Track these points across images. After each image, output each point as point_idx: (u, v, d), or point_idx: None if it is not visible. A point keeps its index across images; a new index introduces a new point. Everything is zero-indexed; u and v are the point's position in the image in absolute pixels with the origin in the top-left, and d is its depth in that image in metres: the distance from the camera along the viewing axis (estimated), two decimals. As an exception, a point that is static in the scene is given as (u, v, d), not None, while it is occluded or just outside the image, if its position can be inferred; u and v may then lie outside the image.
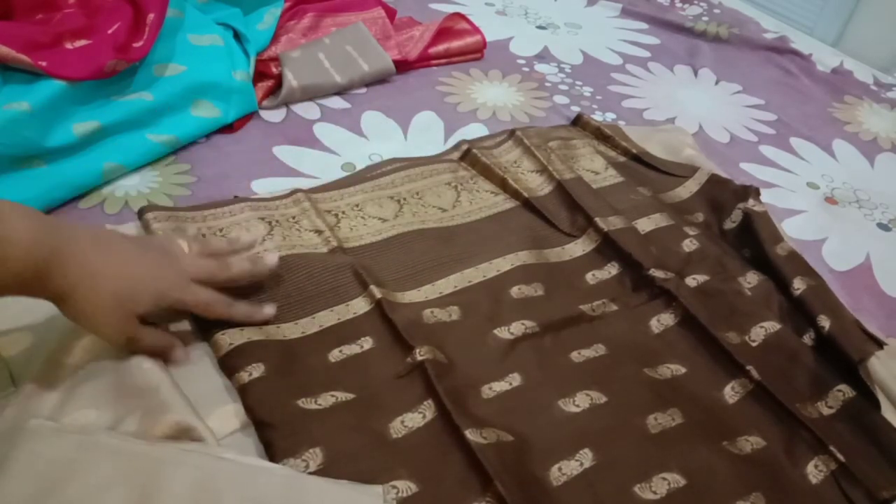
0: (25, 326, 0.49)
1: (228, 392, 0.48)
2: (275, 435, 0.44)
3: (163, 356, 0.48)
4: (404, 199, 0.69)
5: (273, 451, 0.44)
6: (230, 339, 0.50)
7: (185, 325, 0.52)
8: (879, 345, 0.58)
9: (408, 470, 0.44)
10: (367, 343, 0.53)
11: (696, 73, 1.08)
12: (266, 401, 0.46)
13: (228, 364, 0.48)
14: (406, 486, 0.43)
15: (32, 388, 0.45)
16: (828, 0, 1.44)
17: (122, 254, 0.45)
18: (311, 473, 0.43)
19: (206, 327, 0.51)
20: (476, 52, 1.00)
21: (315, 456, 0.44)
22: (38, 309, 0.49)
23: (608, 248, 0.66)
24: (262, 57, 0.83)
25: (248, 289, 0.54)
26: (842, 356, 0.56)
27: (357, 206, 0.67)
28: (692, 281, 0.63)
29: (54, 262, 0.41)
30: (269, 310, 0.52)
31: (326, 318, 0.54)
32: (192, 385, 0.47)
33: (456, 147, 0.78)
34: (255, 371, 0.48)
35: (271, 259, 0.54)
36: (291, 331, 0.53)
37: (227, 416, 0.46)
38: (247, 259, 0.53)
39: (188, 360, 0.49)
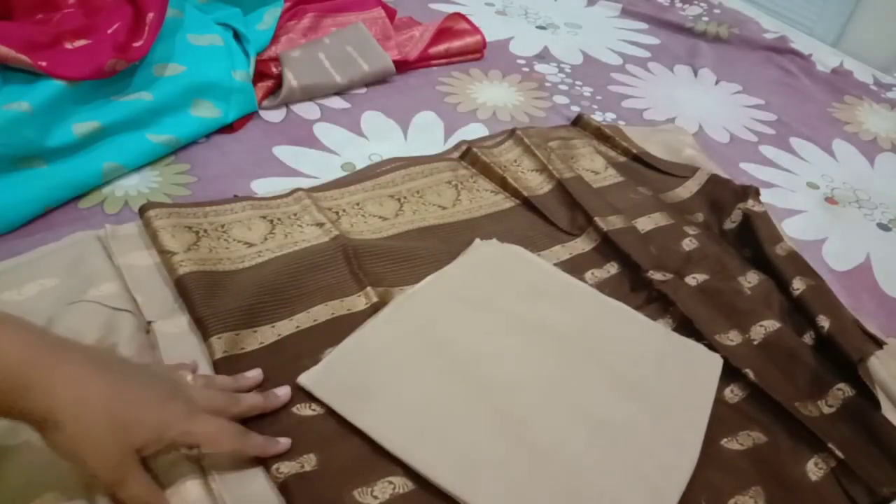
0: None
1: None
2: None
3: None
4: (405, 197, 0.69)
5: (267, 460, 0.43)
6: (224, 345, 0.50)
7: (183, 324, 0.52)
8: (879, 344, 0.58)
9: (403, 468, 0.44)
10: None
11: (696, 73, 1.08)
12: (260, 413, 0.46)
13: (222, 370, 0.48)
14: (402, 483, 0.44)
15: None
16: (828, 0, 1.43)
17: (121, 375, 0.39)
18: (306, 474, 0.43)
19: (203, 327, 0.51)
20: (476, 52, 1.00)
21: (309, 461, 0.44)
22: (38, 311, 0.50)
23: (608, 247, 0.66)
24: (262, 57, 0.84)
25: (246, 283, 0.54)
26: (841, 356, 0.56)
27: (358, 204, 0.67)
28: (692, 280, 0.63)
29: (40, 382, 0.35)
30: (284, 443, 0.44)
31: (320, 312, 0.54)
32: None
33: (456, 147, 0.78)
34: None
35: (283, 393, 0.47)
36: (286, 327, 0.53)
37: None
38: (257, 394, 0.47)
39: None
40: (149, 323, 0.51)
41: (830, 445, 0.50)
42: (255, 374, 0.48)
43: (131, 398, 0.38)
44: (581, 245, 0.67)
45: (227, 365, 0.49)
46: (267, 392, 0.47)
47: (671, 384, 0.52)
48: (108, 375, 0.38)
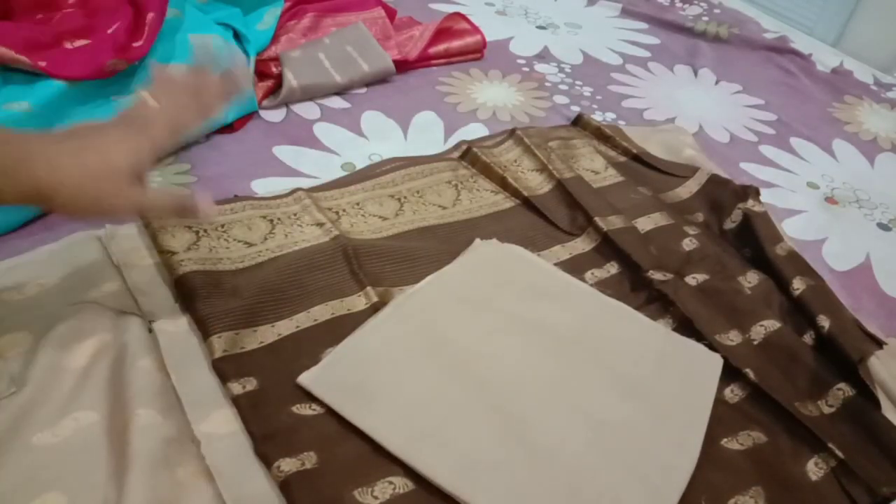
0: (25, 327, 0.49)
1: (227, 393, 0.48)
2: (269, 444, 0.44)
3: (185, 213, 0.47)
4: (405, 197, 0.69)
5: (268, 459, 0.43)
6: (224, 344, 0.50)
7: (183, 324, 0.52)
8: (879, 344, 0.58)
9: (403, 468, 0.44)
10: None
11: (696, 73, 1.08)
12: (260, 411, 0.46)
13: (221, 370, 0.48)
14: (402, 483, 0.44)
15: (33, 390, 0.45)
16: (828, 0, 1.43)
17: (82, 134, 0.44)
18: (307, 472, 0.43)
19: (203, 326, 0.51)
20: (476, 52, 1.00)
21: (310, 458, 0.44)
22: (38, 310, 0.50)
23: (608, 247, 0.66)
24: (262, 57, 0.84)
25: (247, 283, 0.55)
26: (842, 355, 0.56)
27: (358, 204, 0.67)
28: (692, 280, 0.63)
29: (15, 160, 0.40)
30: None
31: (321, 312, 0.54)
32: (192, 385, 0.47)
33: (456, 147, 0.78)
34: (248, 385, 0.48)
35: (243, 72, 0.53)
36: (286, 327, 0.53)
37: (226, 416, 0.46)
38: (216, 77, 0.51)
39: (214, 210, 0.49)
40: (150, 322, 0.51)
41: (830, 445, 0.50)
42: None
43: (95, 144, 0.43)
44: (581, 245, 0.67)
45: (227, 364, 0.49)
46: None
47: (671, 384, 0.52)
48: (70, 138, 0.43)
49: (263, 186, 0.68)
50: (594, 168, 0.78)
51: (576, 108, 0.91)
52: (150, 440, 0.43)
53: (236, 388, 0.47)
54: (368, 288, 0.57)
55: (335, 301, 0.56)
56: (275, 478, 0.43)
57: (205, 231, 0.59)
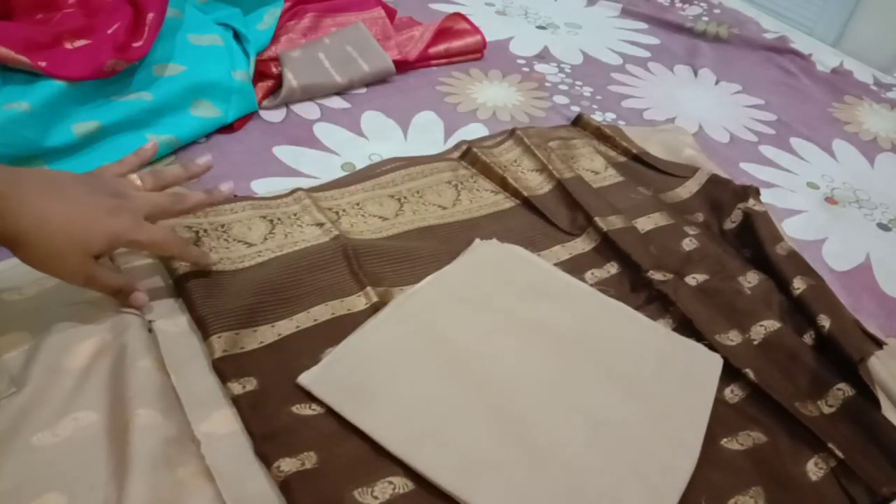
0: (25, 327, 0.49)
1: (227, 393, 0.48)
2: (268, 443, 0.44)
3: (121, 296, 0.50)
4: (405, 197, 0.69)
5: (268, 459, 0.43)
6: (224, 344, 0.50)
7: (183, 324, 0.52)
8: (879, 344, 0.58)
9: (403, 468, 0.44)
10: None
11: (696, 73, 1.08)
12: (260, 411, 0.46)
13: (221, 370, 0.48)
14: (402, 483, 0.44)
15: (33, 390, 0.45)
16: (828, 0, 1.44)
17: (75, 197, 0.46)
18: (307, 472, 0.43)
19: (203, 326, 0.51)
20: (476, 52, 1.00)
21: (310, 458, 0.44)
22: (37, 310, 0.50)
23: (607, 247, 0.66)
24: (262, 57, 0.84)
25: (246, 283, 0.55)
26: (842, 355, 0.56)
27: (358, 204, 0.67)
28: (692, 280, 0.63)
29: (8, 210, 0.42)
30: (214, 256, 0.55)
31: (321, 312, 0.54)
32: (191, 385, 0.47)
33: (456, 147, 0.78)
34: (248, 385, 0.48)
35: (226, 188, 0.56)
36: (286, 327, 0.53)
37: (226, 416, 0.46)
38: (203, 192, 0.55)
39: (147, 303, 0.51)
40: (150, 322, 0.51)
41: (830, 445, 0.50)
42: (204, 161, 0.57)
43: (84, 216, 0.45)
44: (581, 245, 0.67)
45: (227, 364, 0.49)
46: (211, 189, 0.55)
47: (671, 384, 0.52)
48: (63, 198, 0.45)
49: (263, 186, 0.68)
50: (594, 168, 0.78)
51: (576, 108, 0.91)
52: (150, 440, 0.43)
53: (236, 388, 0.47)
54: (368, 288, 0.57)
55: (335, 301, 0.56)
56: (275, 478, 0.43)
57: (205, 231, 0.59)
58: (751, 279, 0.65)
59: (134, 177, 0.51)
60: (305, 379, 0.48)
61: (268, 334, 0.52)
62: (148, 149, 0.56)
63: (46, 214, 0.44)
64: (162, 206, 0.51)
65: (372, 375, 0.49)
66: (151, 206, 0.50)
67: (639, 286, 0.62)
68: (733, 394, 0.54)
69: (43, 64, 0.62)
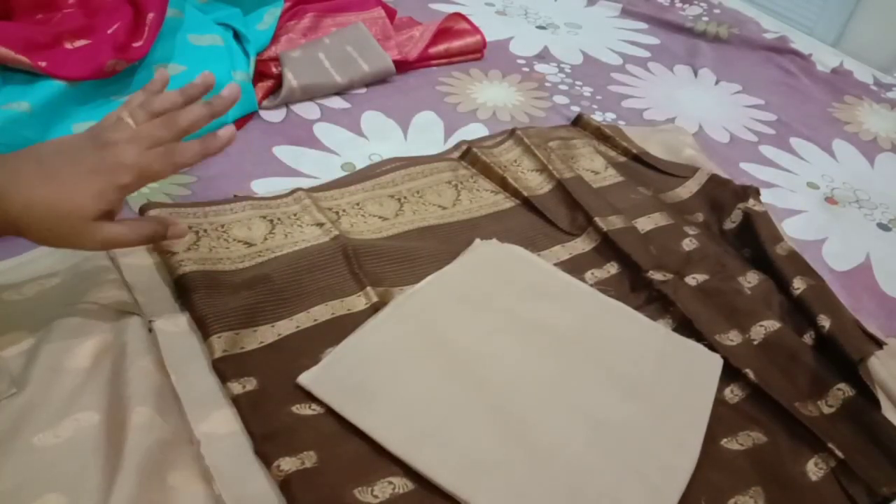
0: (25, 327, 0.49)
1: (227, 392, 0.48)
2: (268, 443, 0.44)
3: (158, 239, 0.49)
4: (405, 197, 0.69)
5: (268, 459, 0.43)
6: (224, 344, 0.50)
7: (183, 324, 0.52)
8: (879, 345, 0.58)
9: (403, 468, 0.44)
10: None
11: (696, 73, 1.08)
12: (260, 411, 0.46)
13: (221, 369, 0.48)
14: (402, 483, 0.44)
15: (34, 390, 0.45)
16: (828, 0, 1.44)
17: (54, 170, 0.44)
18: (307, 471, 0.43)
19: (203, 326, 0.51)
20: (476, 52, 1.00)
21: (310, 457, 0.44)
22: (38, 310, 0.50)
23: (607, 247, 0.66)
24: (262, 57, 0.84)
25: (246, 283, 0.55)
26: (842, 356, 0.56)
27: (358, 204, 0.67)
28: (692, 280, 0.63)
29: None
30: (224, 132, 0.49)
31: (321, 312, 0.54)
32: (192, 385, 0.47)
33: (456, 147, 0.78)
34: (248, 384, 0.48)
35: (224, 133, 0.50)
36: (286, 327, 0.53)
37: (226, 416, 0.46)
38: (200, 105, 0.50)
39: (186, 231, 0.49)
40: (150, 322, 0.51)
41: (830, 445, 0.50)
42: (203, 78, 0.51)
43: (65, 187, 0.44)
44: (581, 245, 0.67)
45: (227, 364, 0.49)
46: (206, 136, 0.49)
47: (671, 384, 0.52)
48: (43, 175, 0.44)
49: (263, 186, 0.68)
50: (594, 168, 0.78)
51: (576, 108, 0.91)
52: (145, 441, 0.42)
53: (236, 387, 0.47)
54: (368, 288, 0.57)
55: (335, 301, 0.56)
56: (275, 477, 0.43)
57: (205, 231, 0.59)
58: (751, 279, 0.65)
59: (125, 115, 0.48)
60: (305, 379, 0.48)
61: (268, 334, 0.52)
62: (156, 81, 0.51)
63: (29, 198, 0.43)
64: (152, 137, 0.47)
65: (372, 375, 0.49)
66: (139, 142, 0.46)
67: (639, 286, 0.62)
68: (733, 394, 0.54)
69: (43, 64, 0.63)
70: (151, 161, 0.46)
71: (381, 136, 0.80)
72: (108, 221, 0.46)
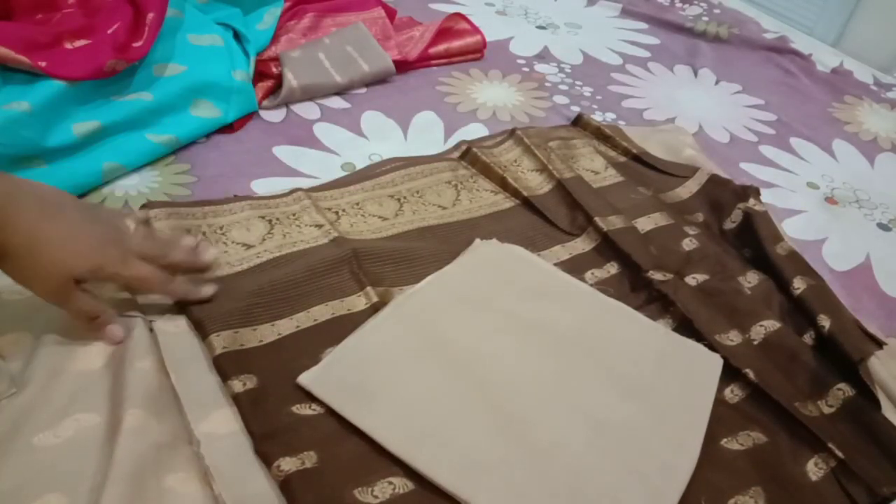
0: (25, 327, 0.49)
1: (227, 392, 0.48)
2: (268, 443, 0.44)
3: (94, 325, 0.49)
4: (404, 197, 0.69)
5: (268, 459, 0.43)
6: (224, 342, 0.50)
7: (183, 324, 0.52)
8: (879, 345, 0.58)
9: (403, 468, 0.44)
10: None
11: (696, 73, 1.08)
12: (260, 410, 0.46)
13: (221, 368, 0.48)
14: (402, 483, 0.44)
15: (34, 390, 0.45)
16: (828, 0, 1.44)
17: (70, 220, 0.46)
18: (307, 471, 0.43)
19: (201, 327, 0.51)
20: (476, 52, 1.00)
21: (310, 458, 0.44)
22: (38, 310, 0.50)
23: (608, 247, 0.66)
24: (262, 57, 0.84)
25: (245, 285, 0.55)
26: (842, 356, 0.56)
27: (357, 204, 0.67)
28: (692, 280, 0.63)
29: (2, 222, 0.42)
30: (207, 290, 0.53)
31: (321, 312, 0.54)
32: (192, 384, 0.47)
33: (456, 147, 0.78)
34: (249, 382, 0.48)
35: (211, 253, 0.55)
36: (286, 326, 0.53)
37: (226, 416, 0.46)
38: (188, 250, 0.54)
39: (120, 338, 0.49)
40: (150, 322, 0.51)
41: (830, 445, 0.50)
42: (189, 240, 0.55)
43: (75, 240, 0.46)
44: (581, 245, 0.67)
45: (227, 360, 0.49)
46: (195, 251, 0.54)
47: (671, 384, 0.52)
48: (59, 219, 0.45)
49: (263, 186, 0.68)
50: (594, 168, 0.78)
51: (576, 108, 0.91)
52: (139, 443, 0.42)
53: (237, 385, 0.47)
54: (368, 288, 0.57)
55: (335, 301, 0.56)
56: (275, 477, 0.43)
57: (203, 234, 0.59)
58: (751, 279, 0.65)
59: (129, 221, 0.51)
60: (305, 379, 0.48)
61: (267, 333, 0.52)
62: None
63: (39, 233, 0.44)
64: (151, 253, 0.50)
65: (372, 375, 0.49)
66: (140, 248, 0.49)
67: (639, 286, 0.62)
68: (733, 394, 0.54)
69: (43, 64, 0.62)
70: (151, 273, 0.49)
71: (381, 136, 0.80)
72: (76, 285, 0.47)
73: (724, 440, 0.50)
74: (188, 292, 0.52)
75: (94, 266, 0.46)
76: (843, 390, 0.55)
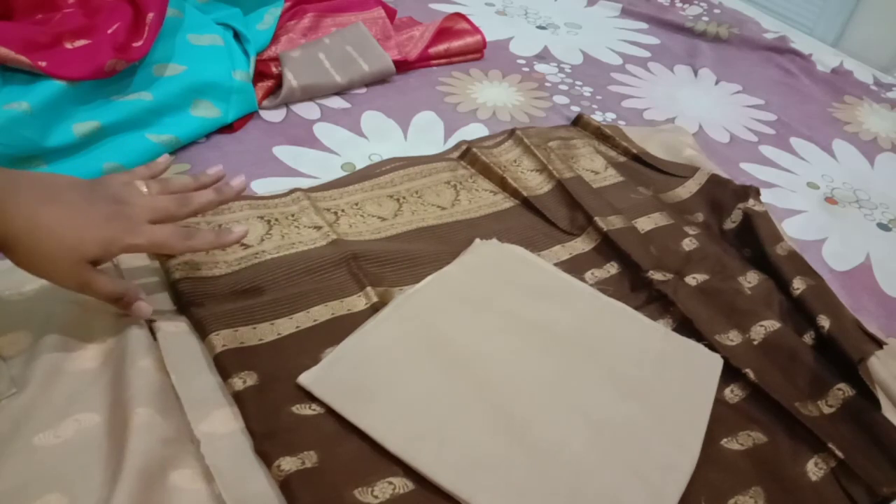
0: (25, 327, 0.49)
1: (227, 391, 0.48)
2: (269, 442, 0.44)
3: (122, 304, 0.48)
4: (403, 197, 0.69)
5: (268, 458, 0.43)
6: (223, 340, 0.50)
7: (183, 324, 0.52)
8: (879, 344, 0.58)
9: (403, 468, 0.44)
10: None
11: (696, 73, 1.08)
12: (261, 409, 0.46)
13: (221, 366, 0.48)
14: (402, 483, 0.44)
15: (34, 390, 0.45)
16: (828, 0, 1.44)
17: (70, 203, 0.45)
18: (307, 471, 0.43)
19: (201, 327, 0.51)
20: (476, 52, 1.00)
21: (310, 457, 0.44)
22: (38, 310, 0.50)
23: (607, 247, 0.66)
24: (262, 57, 0.84)
25: (243, 285, 0.55)
26: (842, 356, 0.56)
27: (356, 204, 0.67)
28: (692, 280, 0.63)
29: (5, 213, 0.42)
30: (238, 231, 0.51)
31: (320, 312, 0.54)
32: (192, 384, 0.47)
33: (456, 147, 0.78)
34: (249, 379, 0.48)
35: (237, 182, 0.52)
36: (285, 326, 0.53)
37: (226, 416, 0.46)
38: (211, 190, 0.51)
39: (150, 313, 0.48)
40: (150, 322, 0.51)
41: (830, 445, 0.50)
42: (215, 171, 0.53)
43: (78, 222, 0.44)
44: (581, 245, 0.67)
45: (228, 358, 0.49)
46: (220, 184, 0.52)
47: (671, 384, 0.52)
48: (58, 203, 0.44)
49: (263, 186, 0.68)
50: (594, 168, 0.78)
51: (576, 108, 0.91)
52: (146, 441, 0.42)
53: (237, 382, 0.47)
54: (368, 288, 0.57)
55: (335, 301, 0.56)
56: (275, 477, 0.43)
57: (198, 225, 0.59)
58: (751, 279, 0.65)
59: (140, 183, 0.49)
60: (305, 379, 0.48)
61: (267, 332, 0.52)
62: (160, 163, 0.54)
63: (38, 219, 0.43)
64: (166, 210, 0.48)
65: (372, 375, 0.49)
66: (153, 211, 0.48)
67: (639, 286, 0.62)
68: (733, 394, 0.54)
69: (43, 64, 0.62)
70: (168, 235, 0.48)
71: (381, 136, 0.80)
72: (93, 267, 0.46)
73: (724, 440, 0.50)
74: (217, 240, 0.50)
75: (104, 243, 0.45)
76: (843, 390, 0.55)
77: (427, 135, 0.82)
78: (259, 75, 0.82)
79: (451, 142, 0.80)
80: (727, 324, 0.59)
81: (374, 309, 0.55)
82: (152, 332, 0.50)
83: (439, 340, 0.52)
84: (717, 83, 1.06)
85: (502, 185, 0.73)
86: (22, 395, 0.45)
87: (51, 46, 0.66)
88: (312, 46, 0.87)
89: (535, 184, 0.73)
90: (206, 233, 0.50)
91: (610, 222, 0.67)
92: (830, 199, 0.82)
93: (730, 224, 0.72)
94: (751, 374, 0.54)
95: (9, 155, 0.59)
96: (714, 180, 0.77)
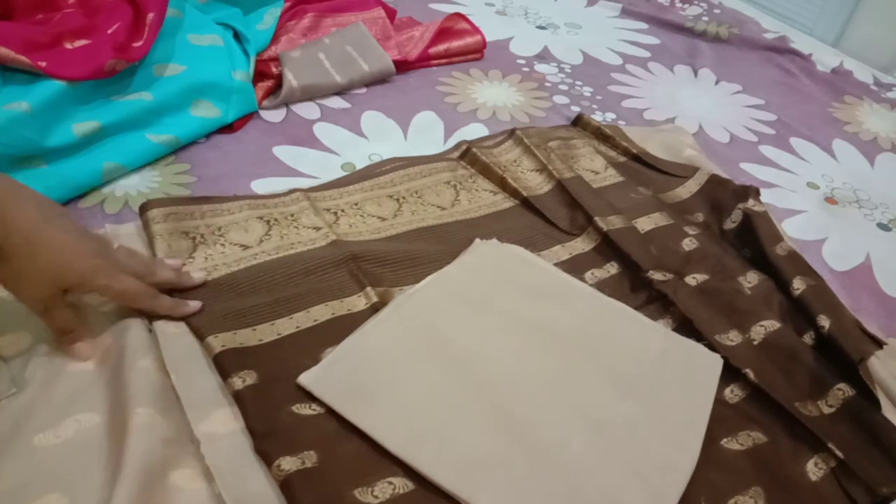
0: (25, 327, 0.49)
1: (227, 391, 0.48)
2: (269, 441, 0.44)
3: (67, 340, 0.48)
4: (403, 197, 0.69)
5: (269, 458, 0.43)
6: (222, 341, 0.50)
7: (183, 325, 0.52)
8: (879, 344, 0.58)
9: (403, 468, 0.44)
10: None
11: (696, 73, 1.08)
12: (260, 408, 0.46)
13: (221, 365, 0.48)
14: (402, 483, 0.44)
15: (34, 390, 0.45)
16: (828, 0, 1.44)
17: (66, 230, 0.46)
18: (307, 471, 0.43)
19: (198, 332, 0.51)
20: (476, 52, 1.00)
21: (310, 457, 0.44)
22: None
23: (608, 247, 0.66)
24: (262, 57, 0.84)
25: (242, 286, 0.55)
26: (842, 356, 0.56)
27: (356, 204, 0.67)
28: (692, 280, 0.63)
29: (2, 220, 0.42)
30: (193, 304, 0.52)
31: (320, 312, 0.54)
32: (192, 384, 0.47)
33: (456, 147, 0.78)
34: (249, 378, 0.48)
35: (198, 276, 0.54)
36: (285, 326, 0.53)
37: (225, 416, 0.46)
38: (172, 269, 0.54)
39: (89, 357, 0.48)
40: (150, 322, 0.51)
41: (830, 445, 0.50)
42: (174, 261, 0.55)
43: (70, 249, 0.45)
44: (581, 245, 0.67)
45: (227, 358, 0.49)
46: (181, 272, 0.54)
47: (671, 384, 0.52)
48: (57, 227, 0.45)
49: (263, 186, 0.68)
50: (594, 168, 0.78)
51: (576, 108, 0.91)
52: (146, 441, 0.42)
53: (237, 382, 0.47)
54: (368, 288, 0.57)
55: (335, 301, 0.56)
56: (275, 476, 0.43)
57: (202, 237, 0.59)
58: (751, 279, 0.65)
59: (115, 243, 0.51)
60: (305, 379, 0.48)
61: (267, 332, 0.52)
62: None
63: (40, 234, 0.44)
64: (136, 270, 0.50)
65: (372, 375, 0.49)
66: (128, 265, 0.49)
67: (639, 286, 0.62)
68: (733, 394, 0.54)
69: (43, 64, 0.62)
70: (139, 289, 0.49)
71: (381, 136, 0.80)
72: (62, 295, 0.47)
73: (724, 440, 0.50)
74: (173, 308, 0.51)
75: (84, 276, 0.46)
76: (842, 390, 0.55)
77: (427, 135, 0.82)
78: (259, 75, 0.82)
79: (451, 142, 0.80)
80: (727, 324, 0.59)
81: (374, 309, 0.55)
82: (152, 331, 0.50)
83: (439, 340, 0.52)
84: (717, 83, 1.06)
85: (502, 185, 0.73)
86: (22, 395, 0.45)
87: (51, 46, 0.66)
88: (312, 46, 0.87)
89: (535, 184, 0.73)
90: (167, 299, 0.51)
91: (610, 222, 0.67)
92: (830, 199, 0.82)
93: (730, 224, 0.72)
94: (751, 374, 0.54)
95: (9, 155, 0.59)
96: (714, 180, 0.77)
